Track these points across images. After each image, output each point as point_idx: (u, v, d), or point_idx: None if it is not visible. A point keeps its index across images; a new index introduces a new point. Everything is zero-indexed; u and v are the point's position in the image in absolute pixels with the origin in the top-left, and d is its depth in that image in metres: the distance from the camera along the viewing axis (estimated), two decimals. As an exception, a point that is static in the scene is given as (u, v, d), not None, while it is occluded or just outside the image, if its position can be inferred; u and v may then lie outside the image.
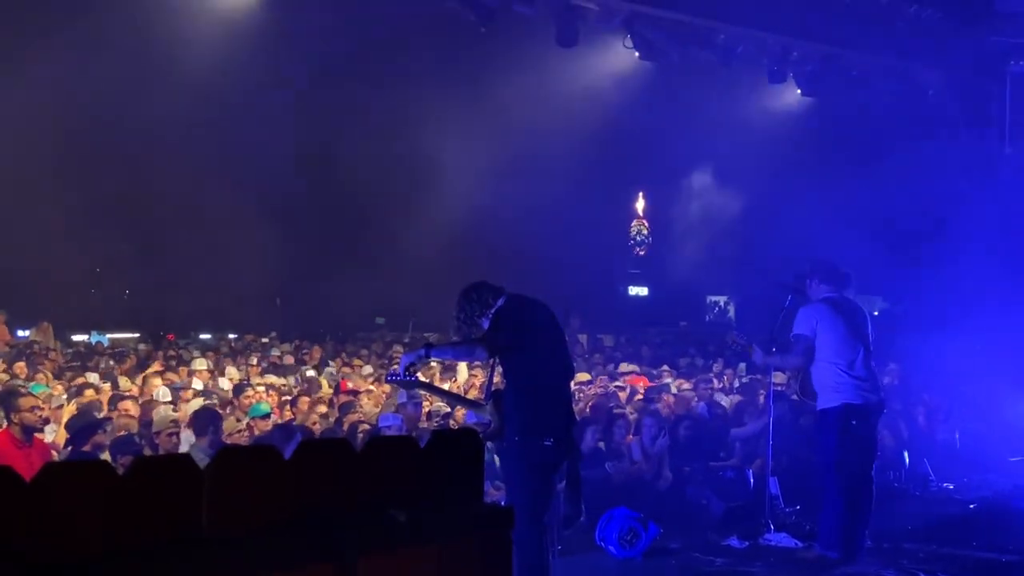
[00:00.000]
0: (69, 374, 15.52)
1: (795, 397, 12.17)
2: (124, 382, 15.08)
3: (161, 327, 21.51)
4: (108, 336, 20.91)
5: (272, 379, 15.76)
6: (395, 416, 10.93)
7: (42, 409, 10.42)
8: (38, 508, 2.82)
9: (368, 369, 15.90)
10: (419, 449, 3.61)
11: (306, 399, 13.21)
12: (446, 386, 14.06)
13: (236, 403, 13.24)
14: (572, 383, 9.50)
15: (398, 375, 8.35)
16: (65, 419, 10.82)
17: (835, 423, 9.73)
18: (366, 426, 11.02)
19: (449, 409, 11.92)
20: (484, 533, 3.62)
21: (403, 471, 3.51)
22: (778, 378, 13.54)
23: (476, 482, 3.74)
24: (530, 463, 7.82)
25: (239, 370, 17.06)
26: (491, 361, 8.52)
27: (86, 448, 9.33)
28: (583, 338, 18.57)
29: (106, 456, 9.13)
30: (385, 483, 3.45)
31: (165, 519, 3.02)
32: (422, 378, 9.41)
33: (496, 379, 8.69)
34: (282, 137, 21.95)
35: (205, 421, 10.23)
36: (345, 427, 11.24)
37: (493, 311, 8.15)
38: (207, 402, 12.53)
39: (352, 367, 17.42)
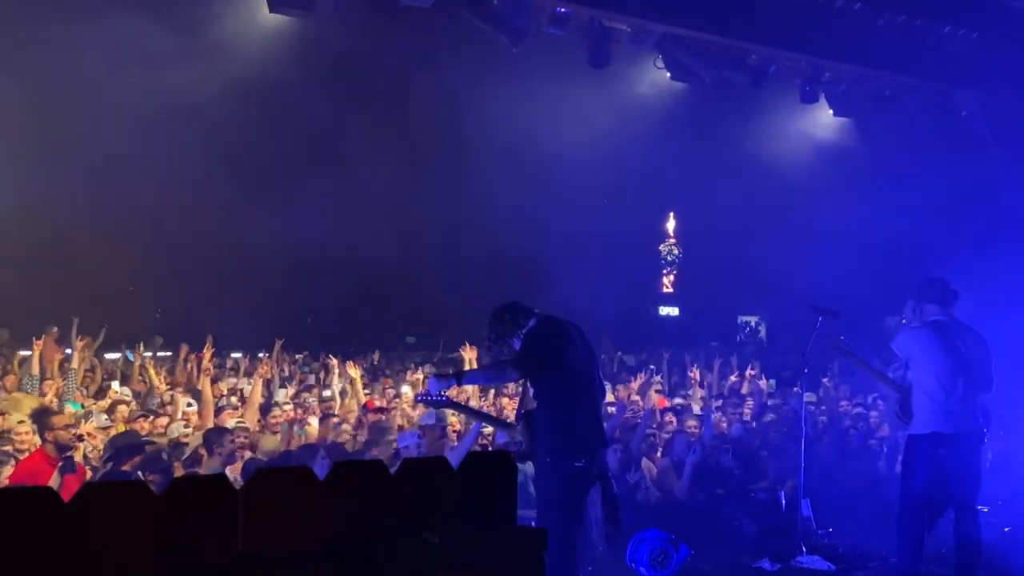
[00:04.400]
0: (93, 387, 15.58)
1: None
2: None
3: (195, 345, 21.60)
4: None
5: (305, 397, 15.74)
6: (412, 434, 10.88)
7: (76, 427, 10.48)
8: (75, 528, 2.83)
9: (407, 389, 15.88)
10: (452, 471, 3.61)
11: (335, 418, 13.21)
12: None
13: (264, 422, 13.24)
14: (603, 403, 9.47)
15: (430, 396, 8.36)
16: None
17: (922, 451, 9.56)
18: (396, 445, 11.02)
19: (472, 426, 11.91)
20: (518, 555, 3.62)
21: (436, 493, 3.51)
22: (809, 397, 13.45)
23: (509, 504, 3.74)
24: (562, 484, 7.82)
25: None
26: (522, 382, 8.54)
27: (125, 467, 9.34)
28: (628, 359, 18.52)
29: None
30: (419, 505, 3.45)
31: (201, 540, 3.03)
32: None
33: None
34: (312, 153, 22.04)
35: (208, 440, 10.26)
36: (374, 450, 11.23)
37: (524, 332, 8.17)
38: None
39: (384, 387, 17.44)
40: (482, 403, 14.18)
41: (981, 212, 16.18)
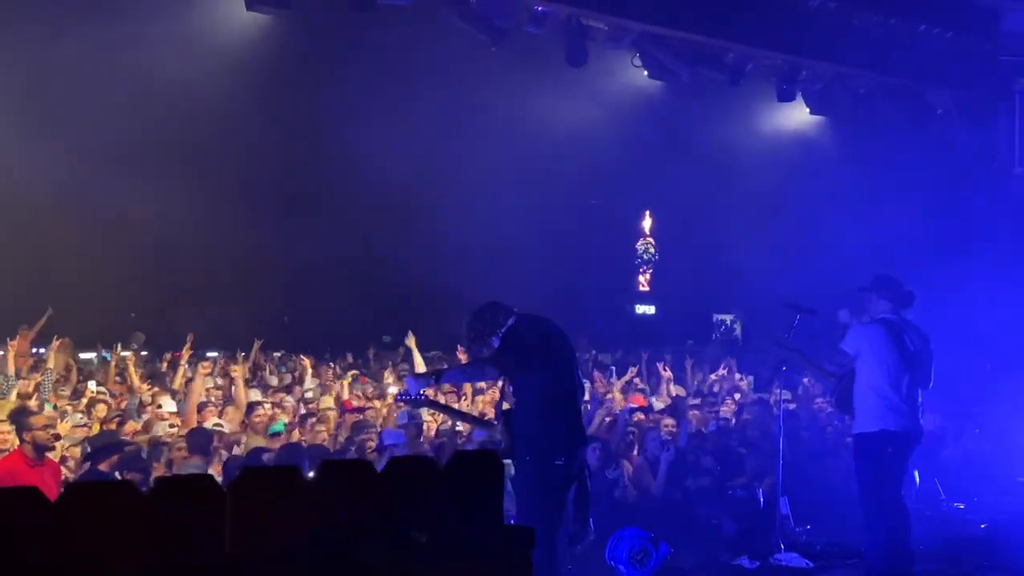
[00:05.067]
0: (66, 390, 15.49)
1: (830, 409, 12.13)
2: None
3: (169, 345, 21.50)
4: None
5: (283, 397, 15.70)
6: (399, 433, 10.89)
7: (54, 427, 10.43)
8: (61, 528, 2.82)
9: (393, 389, 15.85)
10: (440, 470, 3.60)
11: (315, 419, 13.17)
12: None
13: (248, 421, 13.19)
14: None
15: (409, 395, 8.36)
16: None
17: (871, 449, 9.65)
18: (372, 443, 11.00)
19: (458, 427, 11.92)
20: (506, 555, 3.62)
21: (424, 492, 3.51)
22: (785, 395, 13.50)
23: (496, 503, 3.74)
24: (542, 483, 7.83)
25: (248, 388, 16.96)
26: (502, 380, 8.54)
27: (102, 467, 9.30)
28: (604, 357, 18.52)
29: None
30: (406, 504, 3.45)
31: (188, 540, 3.02)
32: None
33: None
34: (288, 151, 21.99)
35: (198, 441, 10.23)
36: (356, 447, 11.21)
37: (504, 331, 8.17)
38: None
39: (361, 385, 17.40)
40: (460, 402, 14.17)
41: (954, 211, 16.26)
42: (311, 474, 3.53)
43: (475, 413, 12.89)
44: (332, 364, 20.19)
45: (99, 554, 2.87)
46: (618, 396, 15.70)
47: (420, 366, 14.11)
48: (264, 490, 3.19)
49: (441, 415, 11.68)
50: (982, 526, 12.78)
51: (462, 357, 15.00)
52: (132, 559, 2.93)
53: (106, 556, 2.89)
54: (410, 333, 15.30)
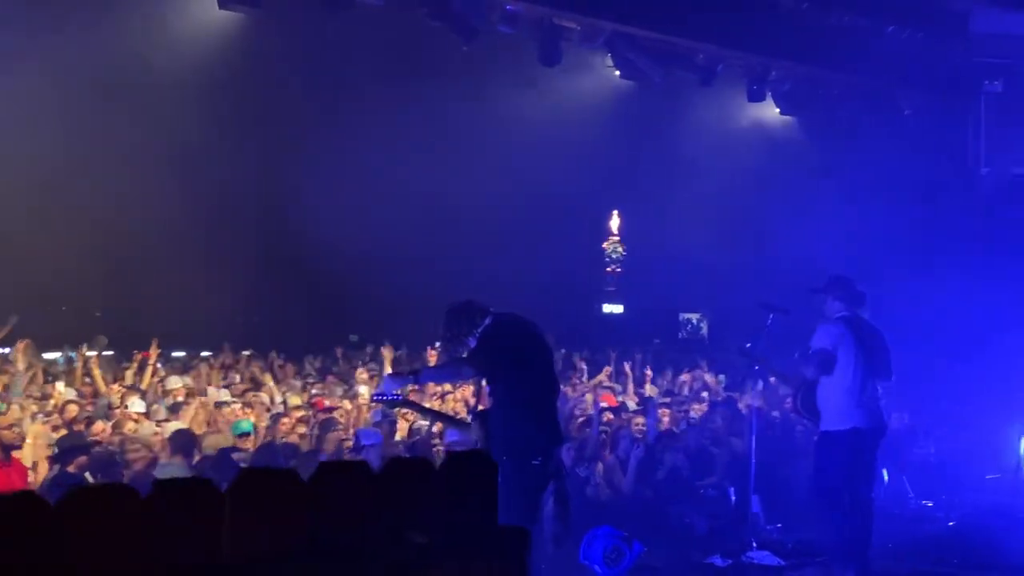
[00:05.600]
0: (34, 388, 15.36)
1: (776, 415, 12.23)
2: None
3: (134, 345, 21.35)
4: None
5: (252, 397, 15.63)
6: (376, 433, 10.87)
7: (19, 427, 10.37)
8: (62, 531, 2.81)
9: (363, 389, 15.79)
10: (435, 471, 3.61)
11: (286, 419, 13.13)
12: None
13: (214, 421, 13.15)
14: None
15: (385, 395, 8.36)
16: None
17: (840, 446, 9.72)
18: (350, 443, 10.98)
19: (431, 426, 11.90)
20: (501, 555, 3.63)
21: (419, 493, 3.51)
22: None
23: (491, 504, 3.75)
24: (517, 483, 7.82)
25: (216, 388, 16.89)
26: (478, 380, 8.56)
27: (71, 469, 9.25)
28: (573, 356, 18.51)
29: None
30: (402, 505, 3.45)
31: (187, 543, 3.01)
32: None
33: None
34: (257, 152, 21.89)
35: (184, 441, 10.18)
36: (329, 446, 11.18)
37: (480, 330, 8.19)
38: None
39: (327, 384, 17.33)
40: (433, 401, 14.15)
41: (922, 211, 16.36)
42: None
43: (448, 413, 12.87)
44: (302, 363, 20.11)
45: (98, 557, 2.87)
46: (589, 396, 15.73)
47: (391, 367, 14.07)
48: (262, 492, 3.18)
49: (413, 415, 11.67)
50: (950, 523, 12.90)
51: (431, 358, 14.98)
52: (131, 562, 2.92)
53: (105, 559, 2.88)
54: (387, 343, 15.29)
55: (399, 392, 8.40)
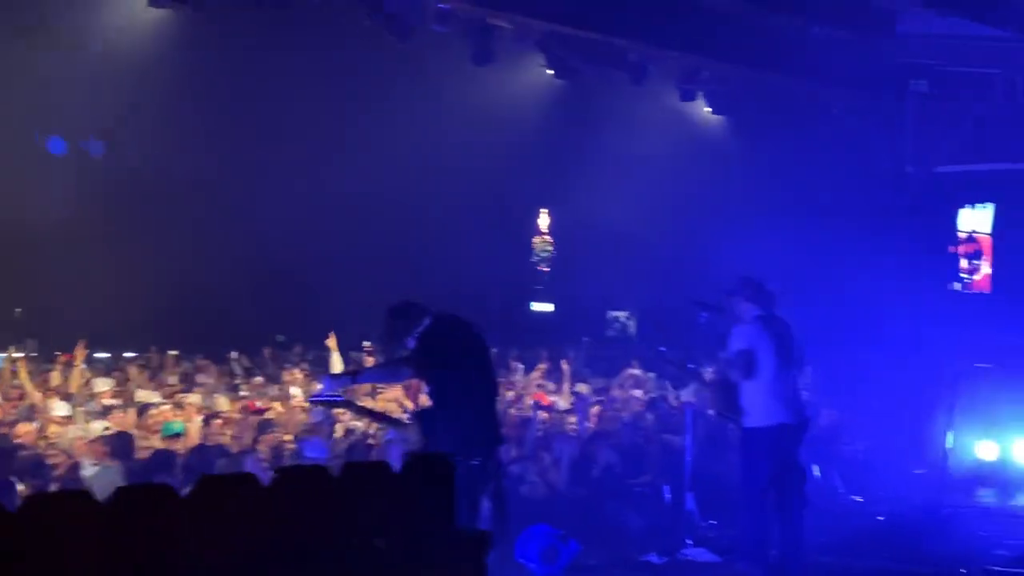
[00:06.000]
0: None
1: (711, 412, 12.33)
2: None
3: (57, 345, 21.04)
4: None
5: (181, 398, 15.46)
6: (321, 445, 10.76)
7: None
8: (22, 537, 2.76)
9: (296, 390, 15.67)
10: (394, 474, 3.59)
11: (218, 420, 13.01)
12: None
13: (143, 424, 12.98)
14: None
15: (323, 396, 8.32)
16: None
17: (764, 442, 9.80)
18: (291, 446, 10.90)
19: (369, 428, 11.85)
20: (462, 557, 3.62)
21: (379, 496, 3.49)
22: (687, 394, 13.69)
23: (449, 507, 3.74)
24: (458, 483, 7.80)
25: (144, 389, 16.69)
26: (417, 380, 8.55)
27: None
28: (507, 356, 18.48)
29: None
30: (362, 509, 3.43)
31: (147, 548, 2.97)
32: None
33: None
34: (183, 151, 21.66)
35: (122, 444, 10.05)
36: (263, 447, 11.09)
37: (420, 330, 8.18)
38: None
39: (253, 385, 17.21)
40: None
41: (850, 209, 16.53)
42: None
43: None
44: (229, 363, 19.94)
45: (59, 563, 2.82)
46: (520, 393, 15.75)
47: (338, 367, 13.93)
48: (222, 497, 3.15)
49: (349, 415, 11.61)
50: (879, 518, 13.07)
51: (369, 360, 14.90)
52: (92, 568, 2.88)
53: (67, 565, 2.83)
54: (331, 334, 15.17)
55: (339, 393, 8.35)
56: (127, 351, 21.78)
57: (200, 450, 10.24)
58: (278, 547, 3.21)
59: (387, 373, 9.16)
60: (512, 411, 13.68)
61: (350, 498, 3.45)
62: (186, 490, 3.11)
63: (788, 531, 10.00)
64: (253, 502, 3.21)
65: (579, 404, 15.03)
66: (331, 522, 3.37)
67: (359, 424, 12.20)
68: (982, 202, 18.21)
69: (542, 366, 17.18)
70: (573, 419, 13.94)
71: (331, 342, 14.83)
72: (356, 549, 3.36)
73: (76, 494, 2.96)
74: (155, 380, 17.65)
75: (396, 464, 7.60)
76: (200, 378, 17.92)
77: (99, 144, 21.01)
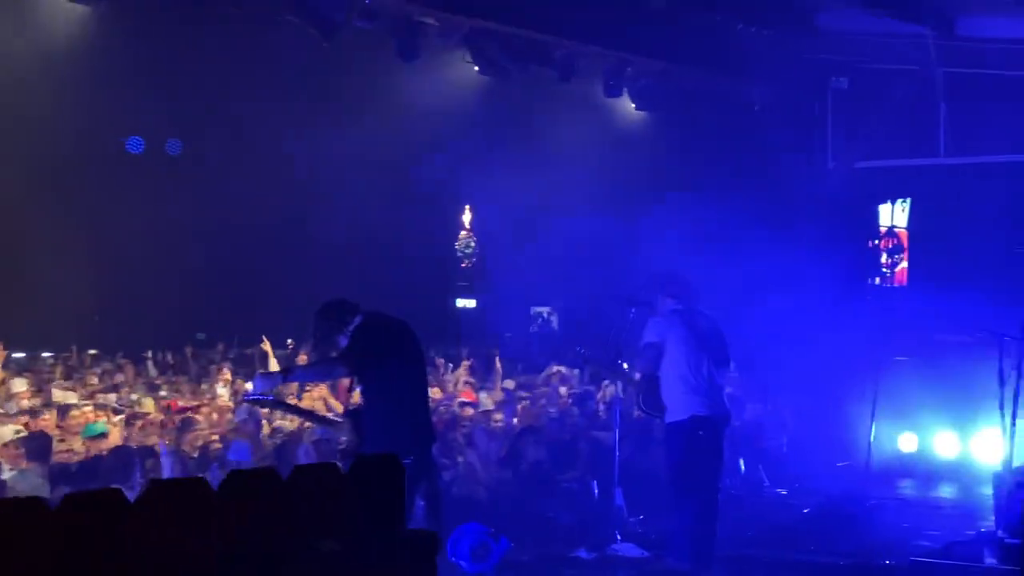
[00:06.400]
0: None
1: (637, 413, 12.41)
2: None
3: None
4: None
5: (103, 398, 15.25)
6: (245, 447, 10.64)
7: None
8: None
9: (221, 389, 15.53)
10: (342, 476, 3.56)
11: (140, 421, 12.85)
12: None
13: (63, 425, 12.77)
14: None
15: (255, 395, 8.24)
16: None
17: (683, 436, 9.87)
18: (217, 445, 10.78)
19: (295, 426, 11.77)
20: (411, 559, 3.59)
21: (328, 499, 3.46)
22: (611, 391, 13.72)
23: (399, 508, 3.71)
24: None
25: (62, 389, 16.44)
26: (350, 379, 8.50)
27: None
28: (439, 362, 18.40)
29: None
30: (311, 511, 3.39)
31: (92, 555, 2.92)
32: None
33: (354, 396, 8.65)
34: (106, 145, 21.39)
35: (39, 446, 9.88)
36: (188, 447, 10.97)
37: (351, 329, 8.14)
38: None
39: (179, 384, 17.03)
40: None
41: (773, 206, 16.70)
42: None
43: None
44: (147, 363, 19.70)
45: (6, 571, 2.76)
46: (449, 391, 15.72)
47: (273, 367, 13.77)
48: (169, 502, 3.10)
49: (279, 414, 11.53)
50: (805, 510, 13.22)
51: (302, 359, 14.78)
52: (36, 573, 2.82)
53: (10, 570, 2.78)
54: (264, 338, 15.05)
55: (270, 392, 8.29)
56: (45, 351, 21.48)
57: (121, 451, 10.06)
58: (224, 551, 3.16)
59: (320, 372, 9.08)
60: (442, 409, 13.64)
61: (298, 501, 3.40)
62: (132, 495, 3.04)
63: (705, 524, 10.07)
64: (201, 506, 3.15)
65: (506, 400, 15.05)
66: (279, 525, 3.32)
67: (286, 423, 12.12)
68: (901, 197, 18.53)
69: (466, 363, 17.13)
70: (499, 416, 13.93)
71: (266, 345, 14.72)
72: (304, 553, 3.32)
73: (26, 500, 2.89)
74: (74, 380, 17.41)
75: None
76: (118, 378, 17.69)
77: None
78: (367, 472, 3.65)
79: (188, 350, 21.29)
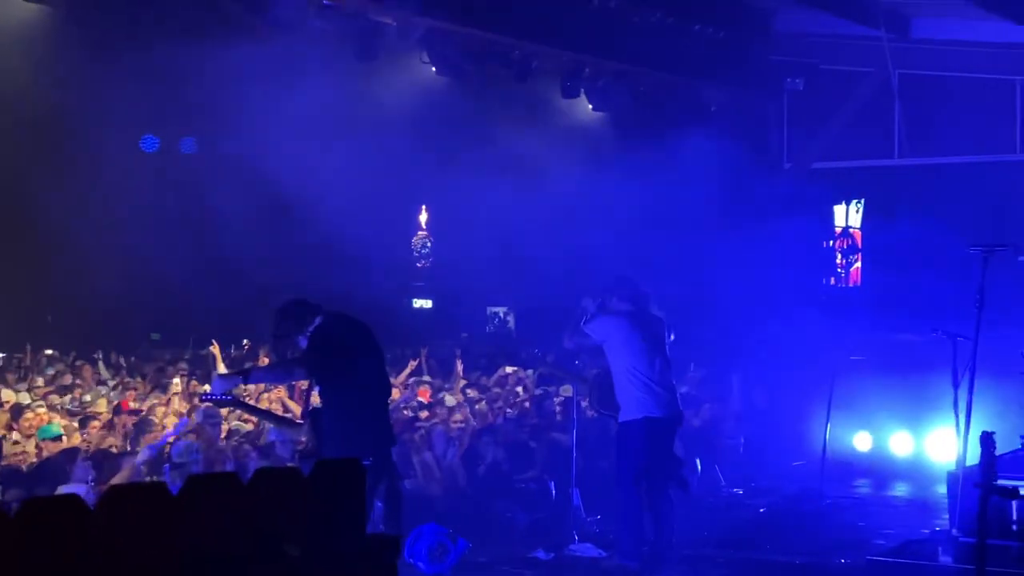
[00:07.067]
0: None
1: (591, 413, 12.45)
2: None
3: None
4: None
5: (55, 399, 15.10)
6: (195, 448, 10.53)
7: None
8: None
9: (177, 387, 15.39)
10: (304, 480, 3.54)
11: (95, 422, 12.73)
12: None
13: (16, 426, 12.67)
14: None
15: (214, 395, 8.20)
16: None
17: (637, 436, 9.92)
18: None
19: (252, 428, 11.71)
20: (374, 562, 3.59)
21: (290, 503, 3.45)
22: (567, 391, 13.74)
23: (360, 512, 3.70)
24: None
25: (14, 390, 16.29)
26: (310, 380, 8.47)
27: None
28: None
29: None
30: (273, 516, 3.38)
31: (55, 562, 2.89)
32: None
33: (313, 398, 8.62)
34: (64, 143, 21.22)
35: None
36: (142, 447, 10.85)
37: (311, 329, 8.10)
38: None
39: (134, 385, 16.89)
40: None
41: (729, 206, 16.78)
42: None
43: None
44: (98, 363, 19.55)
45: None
46: (397, 391, 15.66)
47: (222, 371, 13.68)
48: (130, 508, 3.07)
49: (237, 414, 11.47)
50: (761, 510, 13.29)
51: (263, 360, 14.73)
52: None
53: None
54: (214, 342, 14.97)
55: (228, 393, 8.24)
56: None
57: (71, 452, 9.97)
58: (185, 556, 3.14)
59: (279, 373, 9.04)
60: (403, 407, 13.60)
61: (259, 505, 3.38)
62: (92, 500, 3.01)
63: (661, 524, 10.14)
64: (163, 512, 3.13)
65: (464, 401, 15.03)
66: (240, 530, 3.30)
67: (243, 425, 12.06)
68: (857, 197, 18.68)
69: (413, 362, 17.03)
70: (458, 416, 13.91)
71: (214, 348, 14.64)
72: (266, 558, 3.30)
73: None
74: (27, 380, 17.27)
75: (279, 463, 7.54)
76: (69, 379, 17.53)
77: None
78: (328, 476, 3.63)
79: (142, 351, 21.22)
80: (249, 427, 11.94)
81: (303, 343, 8.08)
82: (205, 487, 3.34)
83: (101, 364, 19.37)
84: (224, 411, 11.12)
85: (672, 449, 10.46)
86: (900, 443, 15.48)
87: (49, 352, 20.23)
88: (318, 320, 8.12)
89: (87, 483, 8.78)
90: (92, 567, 2.98)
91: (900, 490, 14.86)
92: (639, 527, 9.99)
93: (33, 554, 2.88)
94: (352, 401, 7.97)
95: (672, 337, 10.40)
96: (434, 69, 15.87)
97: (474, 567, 10.24)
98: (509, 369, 17.48)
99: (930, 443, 14.96)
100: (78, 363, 19.30)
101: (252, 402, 13.62)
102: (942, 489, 11.86)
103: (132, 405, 14.41)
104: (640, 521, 9.99)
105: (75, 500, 3.03)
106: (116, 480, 8.42)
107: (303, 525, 3.47)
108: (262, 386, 13.86)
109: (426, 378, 16.98)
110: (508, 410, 14.84)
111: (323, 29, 13.92)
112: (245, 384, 8.45)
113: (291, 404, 12.68)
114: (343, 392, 7.98)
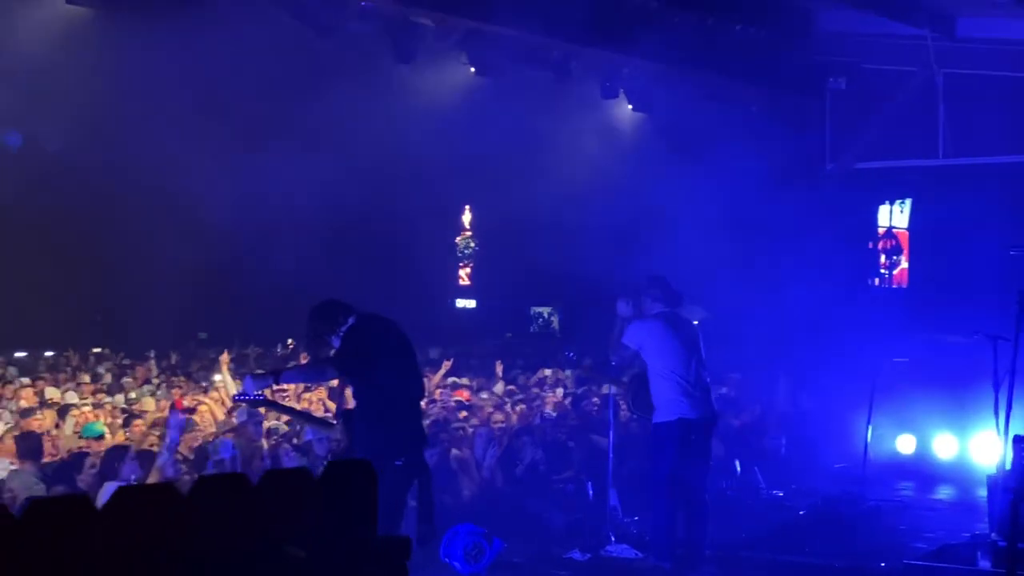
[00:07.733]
0: None
1: (625, 413, 12.45)
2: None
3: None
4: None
5: (104, 398, 15.25)
6: (230, 445, 10.61)
7: None
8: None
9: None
10: (314, 481, 3.56)
11: (139, 420, 12.84)
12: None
13: (62, 424, 12.80)
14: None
15: (247, 395, 8.25)
16: None
17: (672, 437, 9.93)
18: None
19: (288, 428, 11.77)
20: (382, 566, 3.60)
21: (299, 504, 3.46)
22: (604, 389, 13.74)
23: (370, 513, 3.72)
24: (381, 483, 7.76)
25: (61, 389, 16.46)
26: (342, 380, 8.52)
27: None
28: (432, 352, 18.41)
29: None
30: (282, 517, 3.40)
31: (59, 563, 2.92)
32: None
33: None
34: (112, 146, 21.41)
35: (31, 444, 9.88)
36: (184, 448, 10.94)
37: (344, 330, 8.14)
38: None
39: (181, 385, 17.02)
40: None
41: (771, 207, 16.67)
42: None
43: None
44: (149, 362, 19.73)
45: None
46: (434, 393, 15.68)
47: (229, 385, 13.66)
48: (138, 508, 3.10)
49: (274, 414, 11.54)
50: (801, 512, 13.20)
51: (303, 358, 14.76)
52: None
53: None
54: (225, 352, 14.99)
55: (260, 392, 8.29)
56: (45, 350, 21.52)
57: (115, 450, 10.05)
58: (193, 558, 3.16)
59: (311, 373, 9.11)
60: (438, 408, 13.65)
61: (268, 507, 3.40)
62: (102, 501, 3.05)
63: (694, 524, 10.13)
64: (171, 512, 3.16)
65: (503, 401, 15.07)
66: (248, 531, 3.32)
67: (281, 425, 12.12)
68: (900, 198, 18.52)
69: (447, 363, 17.04)
70: (499, 417, 13.93)
71: (224, 357, 14.61)
72: (274, 560, 3.32)
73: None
74: (74, 380, 17.44)
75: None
76: (116, 378, 17.69)
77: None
78: (338, 478, 3.65)
79: (189, 350, 21.38)
80: (286, 427, 12.00)
81: (336, 343, 8.11)
82: (213, 488, 3.36)
83: (152, 362, 19.56)
84: (262, 410, 11.18)
85: (708, 450, 10.44)
86: (944, 445, 15.38)
87: (97, 350, 20.42)
88: (351, 320, 8.15)
89: (130, 481, 8.85)
90: (98, 567, 3.01)
91: (943, 493, 14.77)
92: (672, 528, 10.00)
93: (38, 554, 2.91)
94: (384, 401, 7.99)
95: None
96: (473, 70, 15.92)
97: (510, 567, 10.27)
98: (547, 371, 17.50)
99: (974, 446, 14.86)
100: (126, 361, 19.49)
101: (292, 402, 13.76)
102: (984, 492, 11.79)
103: (185, 403, 14.50)
104: (673, 521, 10.00)
105: (81, 500, 3.06)
106: (151, 479, 8.50)
107: (310, 527, 3.49)
108: (302, 386, 13.96)
109: (464, 380, 16.98)
110: (547, 410, 14.83)
111: (364, 31, 13.98)
112: (276, 384, 8.48)
113: (331, 404, 12.73)
114: (375, 392, 8.01)
